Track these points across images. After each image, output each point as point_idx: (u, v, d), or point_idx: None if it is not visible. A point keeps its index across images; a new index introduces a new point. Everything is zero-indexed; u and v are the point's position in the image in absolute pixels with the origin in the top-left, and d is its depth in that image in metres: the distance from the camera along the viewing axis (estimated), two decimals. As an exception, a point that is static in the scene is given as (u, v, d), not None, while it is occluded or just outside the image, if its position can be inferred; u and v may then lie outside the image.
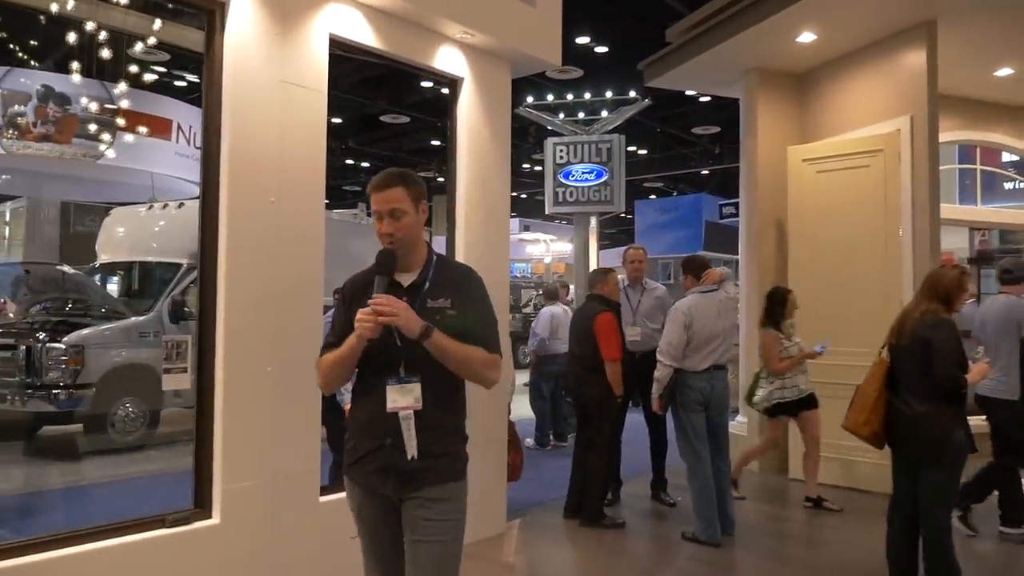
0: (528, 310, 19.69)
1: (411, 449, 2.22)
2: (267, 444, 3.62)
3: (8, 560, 2.87)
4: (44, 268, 8.59)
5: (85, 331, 7.19)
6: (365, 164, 25.38)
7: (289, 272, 3.71)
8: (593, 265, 14.72)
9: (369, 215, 12.32)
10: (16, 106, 11.25)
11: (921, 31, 5.87)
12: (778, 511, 5.75)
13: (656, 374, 4.73)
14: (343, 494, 3.97)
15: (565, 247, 27.03)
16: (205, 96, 3.55)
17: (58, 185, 12.95)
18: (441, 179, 25.18)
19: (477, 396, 4.66)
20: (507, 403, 5.08)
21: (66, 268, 8.30)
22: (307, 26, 3.84)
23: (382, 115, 18.52)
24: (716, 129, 18.34)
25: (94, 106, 10.52)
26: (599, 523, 5.12)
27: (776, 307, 5.48)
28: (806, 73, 7.02)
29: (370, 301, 2.17)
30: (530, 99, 14.10)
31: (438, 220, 22.42)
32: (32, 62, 11.53)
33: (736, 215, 21.91)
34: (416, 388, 2.25)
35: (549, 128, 14.40)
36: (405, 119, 18.71)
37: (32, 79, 11.26)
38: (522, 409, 8.93)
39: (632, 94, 13.80)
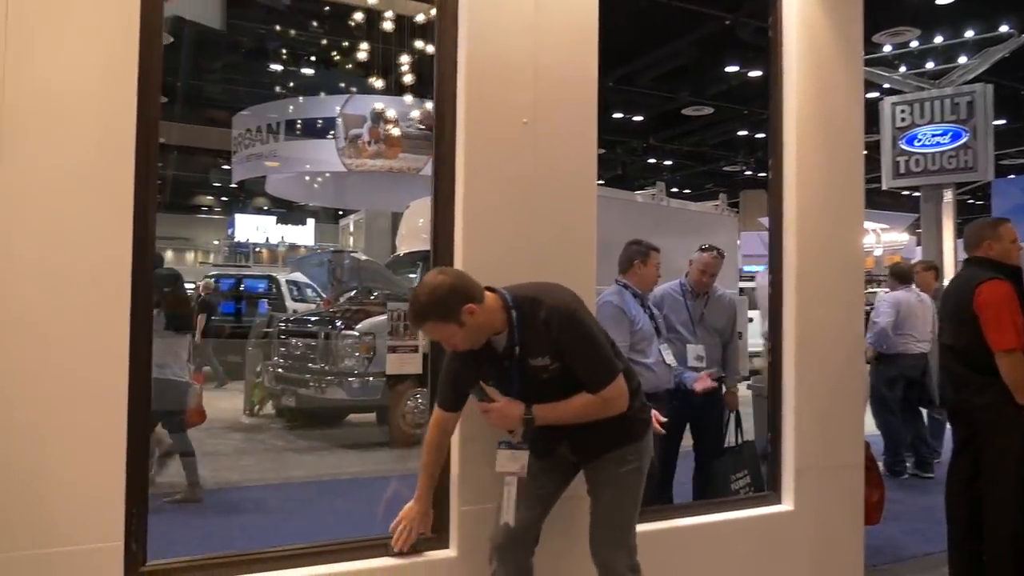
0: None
1: (507, 515, 2.36)
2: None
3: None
4: (343, 256, 8.85)
5: (377, 319, 7.03)
6: (668, 162, 24.27)
7: (545, 222, 2.71)
8: (948, 252, 11.95)
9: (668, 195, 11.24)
10: (354, 128, 12.38)
11: None
12: None
13: None
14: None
15: (899, 238, 23.17)
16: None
17: (388, 196, 13.90)
18: (749, 173, 23.15)
19: (817, 406, 3.31)
20: (862, 414, 3.58)
21: (361, 256, 8.43)
22: None
23: (684, 108, 17.29)
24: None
25: (415, 123, 11.11)
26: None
27: None
28: None
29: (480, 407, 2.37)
30: (860, 54, 11.81)
31: (746, 214, 20.47)
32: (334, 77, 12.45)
33: None
34: (524, 456, 2.35)
35: (886, 87, 11.98)
36: (709, 110, 17.28)
37: (366, 102, 12.25)
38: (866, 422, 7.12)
39: (1005, 29, 10.83)
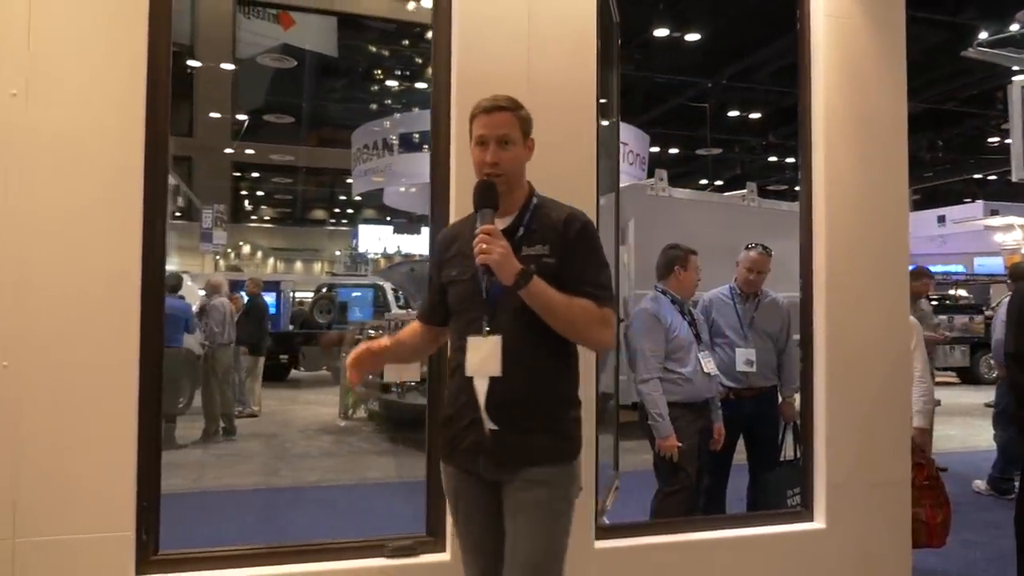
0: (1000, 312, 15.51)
1: (487, 421, 1.93)
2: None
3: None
4: (425, 265, 9.07)
5: (451, 325, 7.20)
6: (790, 160, 23.31)
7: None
8: (1093, 247, 10.80)
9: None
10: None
11: None
12: None
13: None
14: (627, 540, 2.93)
15: (1055, 232, 21.06)
16: (433, 11, 2.79)
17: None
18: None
19: (853, 418, 3.11)
20: (908, 428, 3.31)
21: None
22: None
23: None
24: None
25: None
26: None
27: None
28: None
29: (478, 230, 1.93)
30: (984, 35, 10.88)
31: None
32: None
33: None
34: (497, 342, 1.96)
35: (1015, 69, 10.96)
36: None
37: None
38: (974, 437, 6.60)
39: None
